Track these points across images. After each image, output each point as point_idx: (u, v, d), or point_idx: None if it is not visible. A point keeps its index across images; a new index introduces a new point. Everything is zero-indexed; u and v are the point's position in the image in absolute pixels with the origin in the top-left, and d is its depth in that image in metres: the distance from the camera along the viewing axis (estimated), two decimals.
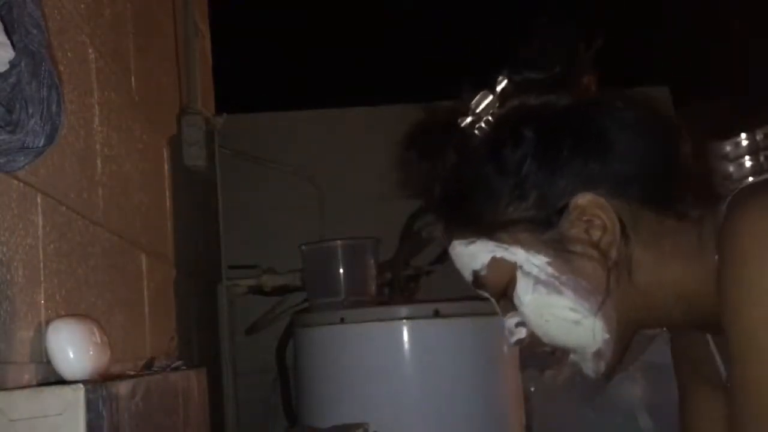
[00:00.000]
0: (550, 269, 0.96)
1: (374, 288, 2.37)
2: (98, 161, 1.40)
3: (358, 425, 1.98)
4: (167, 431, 1.30)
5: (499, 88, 1.00)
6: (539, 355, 1.06)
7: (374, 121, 3.30)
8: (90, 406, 0.95)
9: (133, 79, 1.70)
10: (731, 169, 4.57)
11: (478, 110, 1.00)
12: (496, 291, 1.01)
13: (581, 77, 1.00)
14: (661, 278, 0.95)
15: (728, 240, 0.88)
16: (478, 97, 1.00)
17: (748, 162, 4.43)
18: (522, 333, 1.02)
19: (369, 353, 2.13)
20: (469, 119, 1.00)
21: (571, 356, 1.01)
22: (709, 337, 1.03)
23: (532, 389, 2.55)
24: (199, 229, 2.39)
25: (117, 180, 1.51)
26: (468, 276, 1.03)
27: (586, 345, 0.98)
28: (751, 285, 0.85)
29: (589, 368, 1.01)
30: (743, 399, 0.87)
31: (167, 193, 1.95)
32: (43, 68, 0.93)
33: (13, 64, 0.91)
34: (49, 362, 1.09)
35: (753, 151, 4.43)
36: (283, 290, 2.70)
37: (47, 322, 1.11)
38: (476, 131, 0.99)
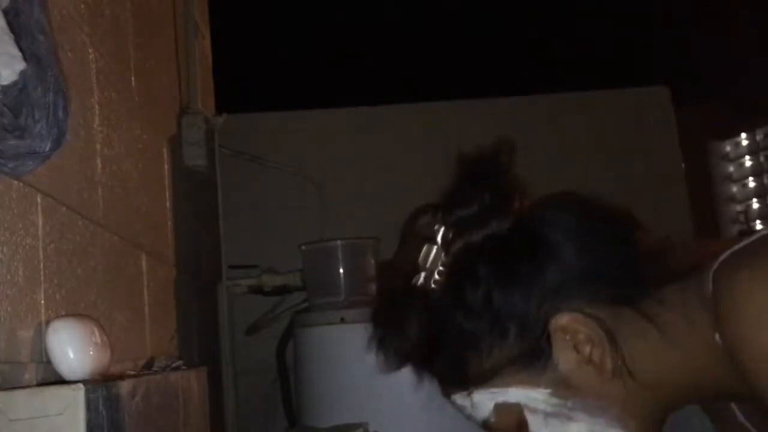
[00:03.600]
0: (554, 400, 0.93)
1: (374, 288, 2.36)
2: (98, 161, 1.40)
3: (358, 425, 1.98)
4: (167, 431, 1.30)
5: (439, 238, 0.98)
6: None
7: (374, 121, 3.30)
8: (90, 406, 0.95)
9: (133, 79, 1.70)
10: (731, 169, 4.57)
11: (427, 265, 0.98)
12: None
13: (513, 193, 0.97)
14: (662, 367, 0.93)
15: (734, 319, 0.86)
16: (423, 252, 0.98)
17: (748, 162, 4.43)
18: None
19: (369, 353, 2.12)
20: (422, 276, 0.98)
21: None
22: (734, 406, 1.01)
23: None
24: (199, 229, 2.39)
25: (117, 180, 1.50)
26: (479, 425, 1.01)
27: None
28: None
29: None
30: None
31: (167, 193, 1.95)
32: (49, 74, 0.93)
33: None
34: (49, 362, 1.09)
35: (753, 151, 4.43)
36: (283, 290, 2.70)
37: (47, 322, 1.11)
38: (433, 285, 0.97)
